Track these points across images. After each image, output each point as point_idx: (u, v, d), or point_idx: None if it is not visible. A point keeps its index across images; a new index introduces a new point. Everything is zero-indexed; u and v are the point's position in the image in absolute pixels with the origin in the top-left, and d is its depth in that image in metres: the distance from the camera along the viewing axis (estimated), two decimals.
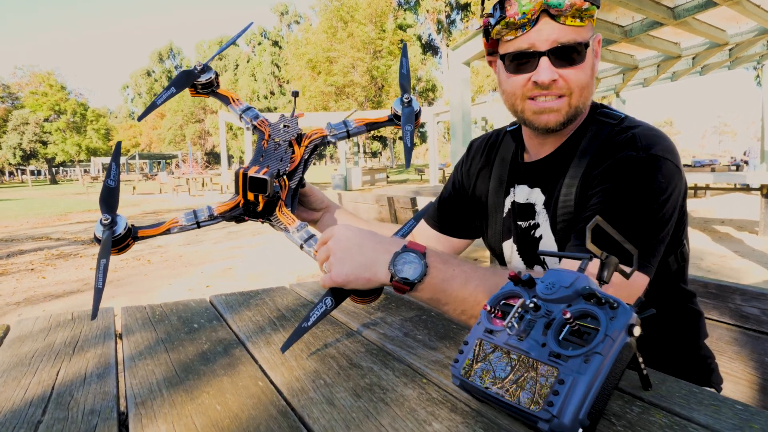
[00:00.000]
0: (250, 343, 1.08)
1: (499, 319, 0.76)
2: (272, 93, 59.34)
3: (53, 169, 57.09)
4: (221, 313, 1.31)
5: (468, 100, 8.92)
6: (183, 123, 59.91)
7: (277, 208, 1.11)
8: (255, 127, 1.21)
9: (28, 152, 53.95)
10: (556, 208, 1.15)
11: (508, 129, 1.36)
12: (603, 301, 0.68)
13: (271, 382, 0.88)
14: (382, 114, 1.27)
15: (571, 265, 0.93)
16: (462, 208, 1.43)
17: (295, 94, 1.24)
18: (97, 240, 1.02)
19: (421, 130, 45.83)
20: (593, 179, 1.08)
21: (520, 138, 1.31)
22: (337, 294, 0.98)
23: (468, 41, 8.16)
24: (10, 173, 68.17)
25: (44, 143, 53.80)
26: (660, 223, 1.00)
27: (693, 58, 10.67)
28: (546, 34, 1.06)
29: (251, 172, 1.04)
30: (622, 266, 0.78)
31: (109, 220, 1.02)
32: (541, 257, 1.21)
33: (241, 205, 1.09)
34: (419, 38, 46.33)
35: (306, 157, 1.20)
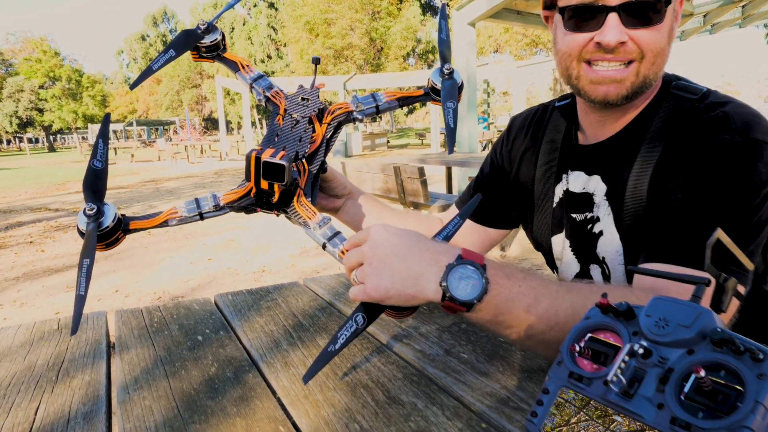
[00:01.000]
0: (265, 365, 0.92)
1: (585, 359, 0.60)
2: (269, 56, 58.31)
3: (51, 137, 56.51)
4: (228, 320, 1.15)
5: (473, 63, 8.64)
6: (180, 88, 59.04)
7: (295, 198, 0.93)
8: (268, 100, 1.02)
9: (25, 120, 53.29)
10: (623, 201, 0.98)
11: (558, 104, 1.17)
12: (742, 349, 0.51)
13: (295, 428, 0.72)
14: (417, 88, 1.08)
15: (674, 286, 0.75)
16: (501, 195, 1.25)
17: (316, 61, 1.04)
18: (81, 233, 0.85)
19: None
20: (673, 167, 0.90)
21: (573, 115, 1.12)
22: (370, 310, 0.81)
23: (472, 1, 7.83)
24: (8, 141, 67.58)
25: (40, 111, 53.10)
26: (760, 224, 0.82)
27: (704, 16, 10.32)
28: None
29: (265, 156, 0.85)
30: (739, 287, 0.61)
31: (94, 210, 0.83)
32: (600, 256, 1.04)
33: (252, 194, 0.91)
34: None
35: (328, 136, 1.02)
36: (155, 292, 4.74)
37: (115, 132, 49.55)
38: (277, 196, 0.89)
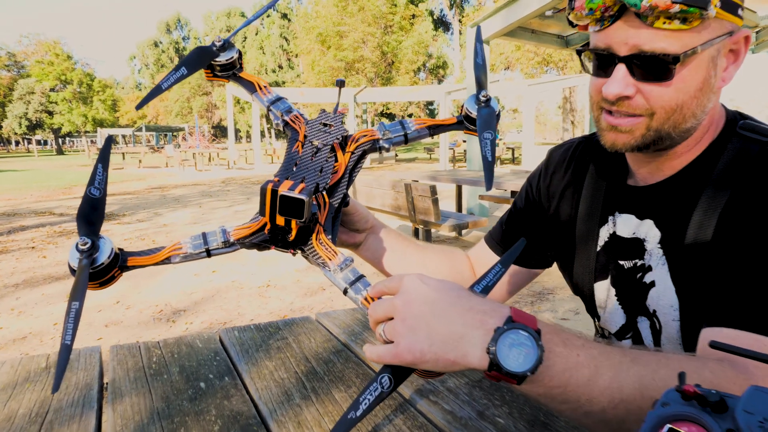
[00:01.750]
0: (275, 424, 0.81)
1: None
2: (280, 67, 58.60)
3: (59, 140, 56.80)
4: (234, 362, 1.04)
5: (487, 80, 8.55)
6: (190, 95, 59.33)
7: (314, 236, 0.83)
8: (286, 124, 0.92)
9: (34, 122, 53.57)
10: (681, 250, 0.87)
11: None
12: None
13: None
14: (449, 116, 0.98)
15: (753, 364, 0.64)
16: (536, 232, 1.15)
17: (341, 84, 0.95)
18: (72, 270, 0.74)
19: (430, 107, 45.23)
20: (744, 217, 0.79)
21: (620, 153, 1.02)
22: (398, 370, 0.70)
23: (486, 18, 7.77)
24: (17, 142, 67.98)
25: (50, 113, 53.36)
26: None
27: None
28: (625, 36, 0.79)
29: (283, 189, 0.75)
30: None
31: (88, 245, 0.73)
32: (651, 309, 0.94)
33: (267, 231, 0.81)
34: (431, 13, 45.44)
35: (351, 166, 0.92)
36: (157, 305, 4.64)
37: (124, 137, 49.79)
38: (294, 233, 0.79)
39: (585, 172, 1.07)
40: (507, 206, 7.75)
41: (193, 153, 23.17)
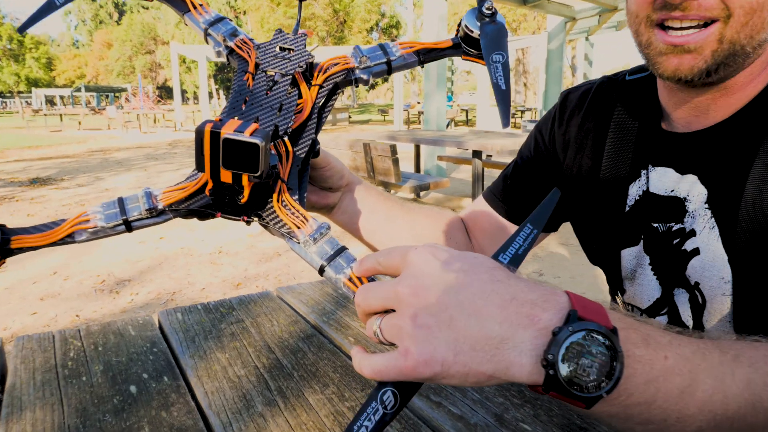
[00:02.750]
0: None
1: None
2: None
3: None
4: (176, 355, 0.82)
5: (444, 37, 8.30)
6: (132, 54, 56.44)
7: (275, 197, 0.60)
8: (232, 52, 0.69)
9: None
10: (737, 213, 0.69)
11: (630, 77, 0.87)
12: None
13: None
14: (443, 38, 0.76)
15: None
16: (547, 186, 0.95)
17: None
18: None
19: None
20: None
21: (654, 92, 0.83)
22: (404, 387, 0.49)
23: None
24: None
25: None
26: None
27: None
28: None
29: (227, 131, 0.52)
30: None
31: None
32: (692, 281, 0.76)
33: (208, 191, 0.58)
34: None
35: (320, 103, 0.69)
36: (98, 275, 4.31)
37: (62, 98, 47.21)
38: (247, 193, 0.57)
39: (609, 117, 0.87)
40: (466, 167, 7.61)
41: (137, 114, 22.11)
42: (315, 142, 0.69)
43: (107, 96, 48.13)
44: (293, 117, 0.64)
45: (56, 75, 60.55)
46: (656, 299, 0.83)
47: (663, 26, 0.67)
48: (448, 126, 19.05)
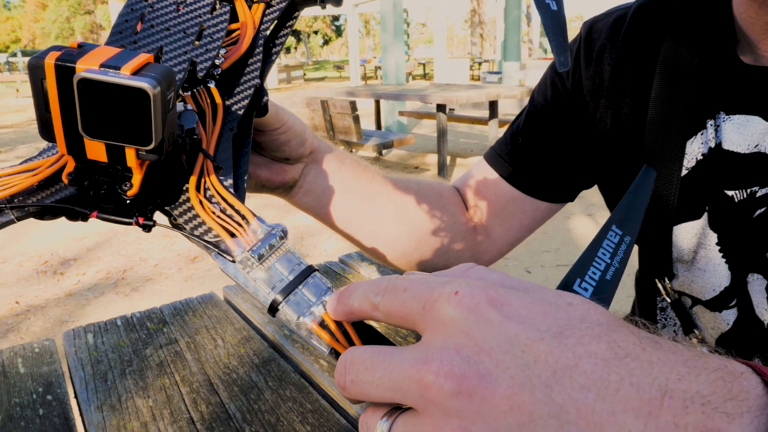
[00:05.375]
0: None
1: None
2: None
3: None
4: (80, 407, 0.58)
5: None
6: (70, 15, 53.46)
7: (193, 182, 0.36)
8: None
9: None
10: None
11: None
12: None
13: None
14: None
15: None
16: (569, 144, 0.72)
17: None
18: None
19: (337, 23, 43.32)
20: None
21: (723, 13, 0.60)
22: None
23: None
24: None
25: None
26: None
27: None
28: None
29: (87, 65, 0.27)
30: None
31: None
32: None
33: (66, 177, 0.33)
34: None
35: (267, 29, 0.45)
36: (41, 255, 3.96)
37: None
38: (138, 180, 0.32)
39: (657, 49, 0.65)
40: (428, 122, 7.42)
41: None
42: (260, 92, 0.45)
43: None
44: (218, 49, 0.40)
45: None
46: (724, 288, 0.62)
47: None
48: (405, 81, 18.64)
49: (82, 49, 0.28)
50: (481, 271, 0.27)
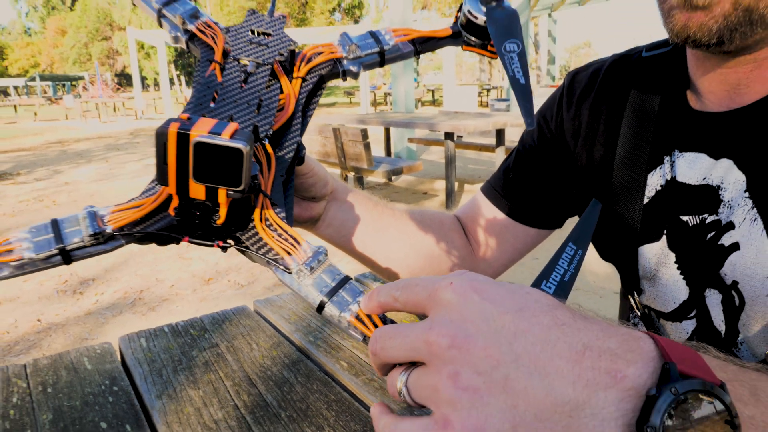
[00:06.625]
0: None
1: None
2: None
3: None
4: (141, 397, 0.70)
5: (410, 18, 8.16)
6: (88, 41, 54.58)
7: (257, 215, 0.49)
8: (193, 37, 0.56)
9: None
10: None
11: (647, 53, 0.77)
12: None
13: None
14: (443, 25, 0.65)
15: None
16: (554, 179, 0.85)
17: None
18: None
19: None
20: None
21: (678, 69, 0.73)
22: None
23: None
24: None
25: None
26: None
27: None
28: None
29: (199, 132, 0.40)
30: None
31: None
32: (729, 280, 0.67)
33: (173, 210, 0.46)
34: None
35: (304, 100, 0.58)
36: (60, 275, 4.10)
37: (16, 88, 45.47)
38: (224, 212, 0.45)
39: (626, 97, 0.77)
40: (437, 149, 7.53)
41: (95, 103, 21.38)
42: (300, 146, 0.57)
43: (64, 85, 46.59)
44: (274, 116, 0.52)
45: (8, 65, 58.37)
46: (683, 302, 0.74)
47: None
48: (414, 107, 18.90)
49: (191, 120, 0.41)
50: (471, 274, 0.39)
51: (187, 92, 31.41)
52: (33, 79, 43.24)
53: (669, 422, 0.29)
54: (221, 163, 0.40)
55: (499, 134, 5.30)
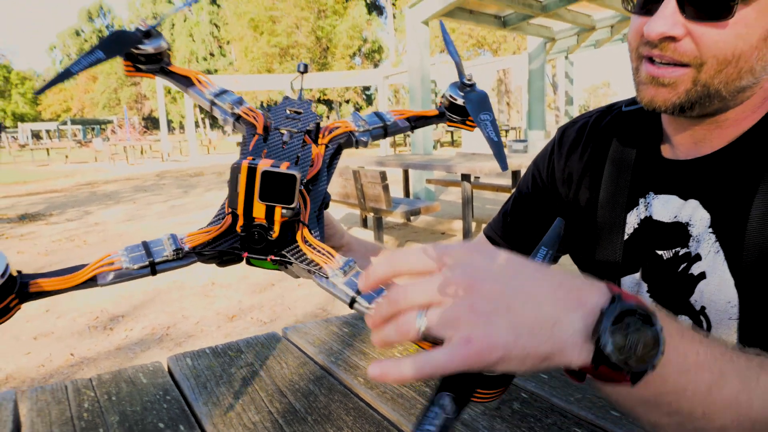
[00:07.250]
0: None
1: None
2: (212, 54, 56.72)
3: None
4: (189, 402, 0.83)
5: (427, 63, 8.44)
6: (117, 86, 56.61)
7: (299, 235, 0.63)
8: (239, 118, 0.73)
9: None
10: (743, 236, 0.73)
11: (626, 108, 0.92)
12: None
13: None
14: (431, 109, 0.85)
15: None
16: (546, 221, 0.99)
17: (304, 68, 0.78)
18: None
19: (367, 92, 44.94)
20: None
21: (652, 122, 0.87)
22: (458, 386, 0.49)
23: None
24: None
25: None
26: None
27: (611, 27, 10.51)
28: None
29: (264, 165, 0.56)
30: None
31: None
32: (698, 306, 0.79)
33: (239, 228, 0.60)
34: None
35: (327, 159, 0.74)
36: (92, 311, 4.28)
37: (48, 132, 47.15)
38: (277, 228, 0.60)
39: (606, 149, 0.91)
40: (455, 189, 7.65)
41: (123, 146, 22.10)
42: (326, 195, 0.73)
43: (93, 128, 48.12)
44: (308, 168, 0.68)
45: (42, 109, 60.61)
46: None
47: (650, 59, 0.73)
48: (434, 147, 19.21)
49: (255, 160, 0.56)
50: (467, 243, 0.53)
51: (211, 134, 32.28)
52: (65, 123, 44.77)
53: (613, 327, 0.43)
54: (280, 187, 0.55)
55: (515, 175, 5.44)
